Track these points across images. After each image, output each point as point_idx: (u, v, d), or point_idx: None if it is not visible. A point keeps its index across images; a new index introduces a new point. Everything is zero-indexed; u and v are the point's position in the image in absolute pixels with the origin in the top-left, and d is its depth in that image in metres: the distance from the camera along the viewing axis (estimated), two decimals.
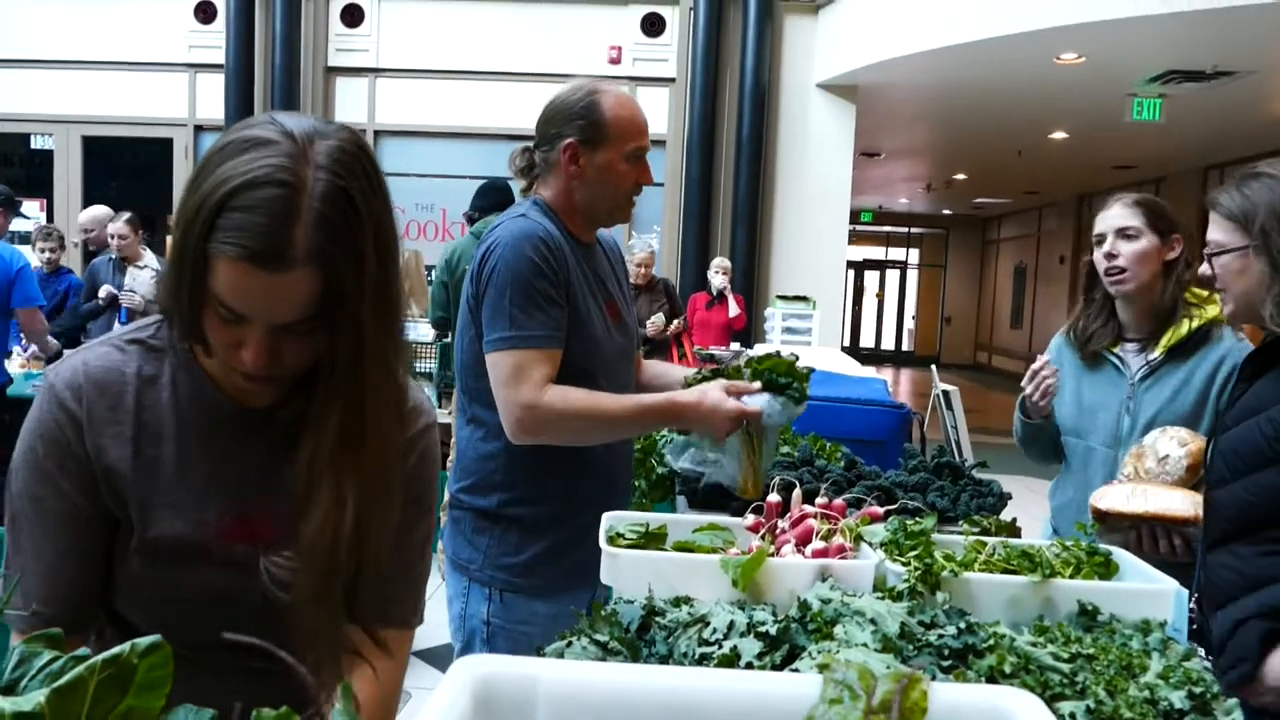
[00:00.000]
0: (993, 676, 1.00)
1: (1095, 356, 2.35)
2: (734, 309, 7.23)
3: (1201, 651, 1.36)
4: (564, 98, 1.90)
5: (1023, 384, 2.30)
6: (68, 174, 9.02)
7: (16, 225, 8.53)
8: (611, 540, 1.41)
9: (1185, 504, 1.78)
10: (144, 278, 5.81)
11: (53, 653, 0.78)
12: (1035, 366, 2.27)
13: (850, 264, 11.77)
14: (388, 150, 8.53)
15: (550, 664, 0.79)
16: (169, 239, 1.13)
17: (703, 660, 1.03)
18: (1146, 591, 1.30)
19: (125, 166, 9.52)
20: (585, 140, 1.87)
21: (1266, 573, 1.62)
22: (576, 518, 1.79)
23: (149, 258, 5.96)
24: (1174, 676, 1.05)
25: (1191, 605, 1.74)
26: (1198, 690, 1.02)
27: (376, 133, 8.60)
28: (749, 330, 7.72)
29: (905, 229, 22.60)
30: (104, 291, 5.69)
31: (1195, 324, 2.21)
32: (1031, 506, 6.21)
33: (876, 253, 23.12)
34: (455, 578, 1.92)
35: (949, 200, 18.94)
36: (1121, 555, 1.45)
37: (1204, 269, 1.80)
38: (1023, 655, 1.04)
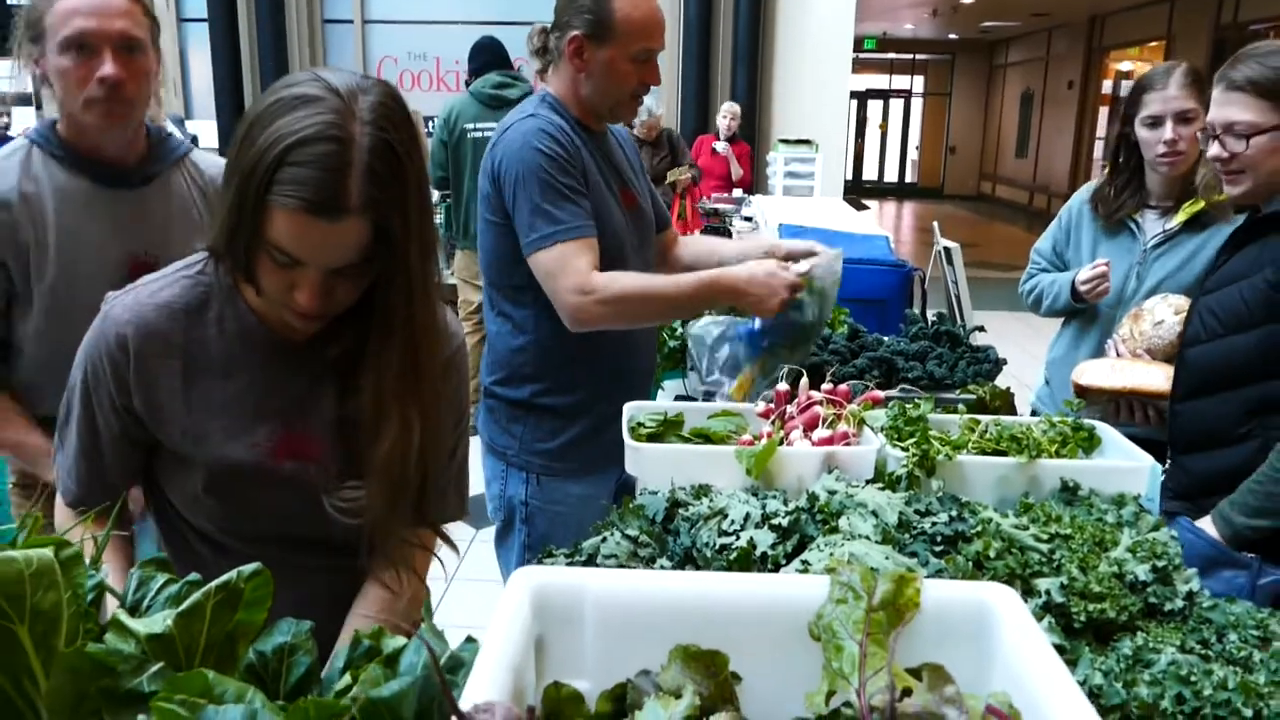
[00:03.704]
0: (979, 560, 1.13)
1: (1117, 222, 2.42)
2: (736, 170, 7.24)
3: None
4: None
5: (1080, 278, 2.38)
6: None
7: None
8: (633, 430, 1.53)
9: (1161, 379, 1.89)
10: None
11: (166, 575, 0.91)
12: (1099, 270, 2.35)
13: (852, 94, 11.41)
14: None
15: (595, 573, 0.91)
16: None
17: (723, 550, 1.16)
18: (1124, 468, 1.42)
19: None
20: (591, 35, 1.87)
21: (1230, 431, 1.74)
22: (605, 404, 1.87)
23: None
24: (1141, 551, 1.18)
25: None
26: (1160, 564, 1.15)
27: None
28: (751, 176, 7.69)
29: (909, 56, 21.94)
30: None
31: (1217, 197, 2.27)
32: (1027, 341, 6.34)
33: (879, 81, 22.52)
34: (492, 461, 2.05)
35: (955, 24, 18.33)
36: (1105, 430, 1.57)
37: (1216, 150, 1.74)
38: (1006, 538, 1.17)
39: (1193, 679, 0.93)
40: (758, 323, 1.93)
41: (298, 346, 1.26)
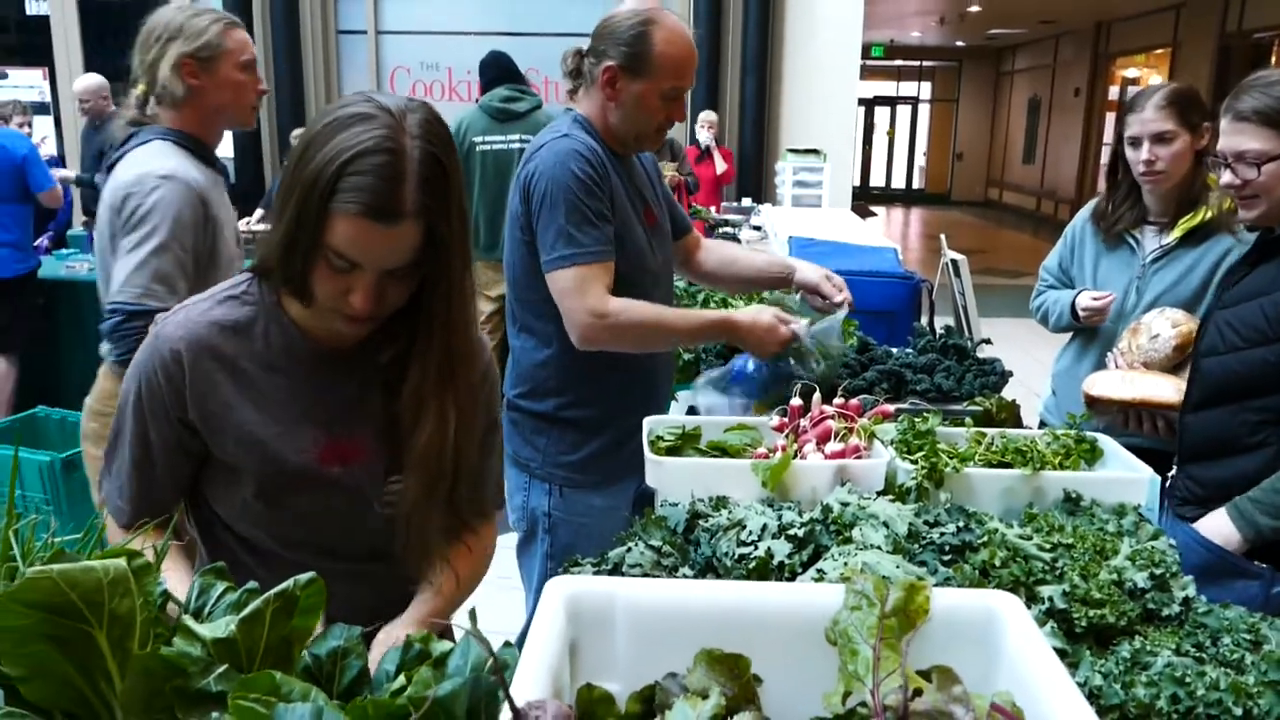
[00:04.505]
0: (985, 569, 1.19)
1: (1116, 237, 2.49)
2: (720, 164, 7.34)
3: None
4: (619, 19, 1.94)
5: (1083, 303, 2.46)
6: (66, 39, 8.85)
7: (18, 95, 8.51)
8: (653, 444, 1.59)
9: (1171, 391, 1.95)
10: None
11: (225, 584, 0.98)
12: (1100, 305, 2.43)
13: (860, 101, 11.41)
14: (390, 7, 8.33)
15: (624, 582, 0.97)
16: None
17: (742, 559, 1.22)
18: (1124, 479, 1.48)
19: (126, 29, 9.33)
20: (626, 68, 1.93)
21: (1243, 440, 1.80)
22: (626, 417, 1.93)
23: None
24: (1140, 559, 1.24)
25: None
26: (1158, 571, 1.21)
27: None
28: (759, 186, 7.75)
29: (917, 63, 21.99)
30: None
31: (1211, 214, 2.33)
32: (1034, 348, 6.39)
33: (887, 88, 22.57)
34: (516, 473, 2.12)
35: (962, 32, 18.36)
36: (1106, 442, 1.62)
37: (1229, 178, 1.80)
38: (1011, 548, 1.22)
39: (1187, 680, 0.98)
40: (755, 365, 2.03)
41: (343, 355, 1.33)
